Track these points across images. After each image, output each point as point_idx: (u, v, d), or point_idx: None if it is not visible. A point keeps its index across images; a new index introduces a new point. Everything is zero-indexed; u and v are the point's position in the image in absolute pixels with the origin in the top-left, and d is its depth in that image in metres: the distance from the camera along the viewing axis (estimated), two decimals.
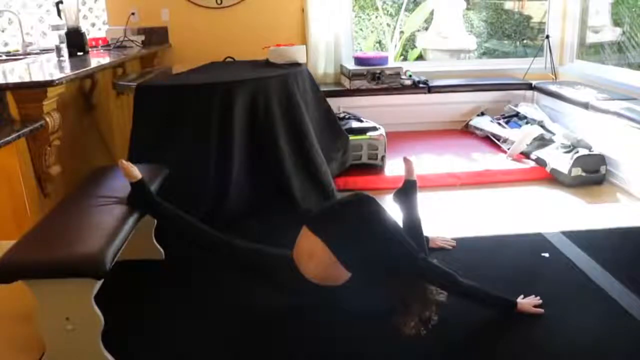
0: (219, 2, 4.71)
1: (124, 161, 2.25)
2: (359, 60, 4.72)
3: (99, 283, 1.86)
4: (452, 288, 2.07)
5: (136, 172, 2.23)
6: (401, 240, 2.08)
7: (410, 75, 4.75)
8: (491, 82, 4.81)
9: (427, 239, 2.60)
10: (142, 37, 4.48)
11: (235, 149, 3.07)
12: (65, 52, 3.57)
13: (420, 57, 6.16)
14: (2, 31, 5.08)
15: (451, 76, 4.99)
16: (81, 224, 2.02)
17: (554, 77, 4.83)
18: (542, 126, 4.08)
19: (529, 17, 6.29)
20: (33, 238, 1.93)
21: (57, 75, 2.64)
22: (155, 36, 4.67)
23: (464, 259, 2.62)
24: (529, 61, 4.93)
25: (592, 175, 3.56)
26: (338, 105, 4.42)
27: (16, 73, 2.85)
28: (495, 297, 2.13)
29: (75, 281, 1.78)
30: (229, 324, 2.18)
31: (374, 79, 4.60)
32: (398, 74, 4.63)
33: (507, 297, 2.15)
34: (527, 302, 2.16)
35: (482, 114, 4.73)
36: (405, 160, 2.66)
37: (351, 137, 3.73)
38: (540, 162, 3.77)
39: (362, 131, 3.83)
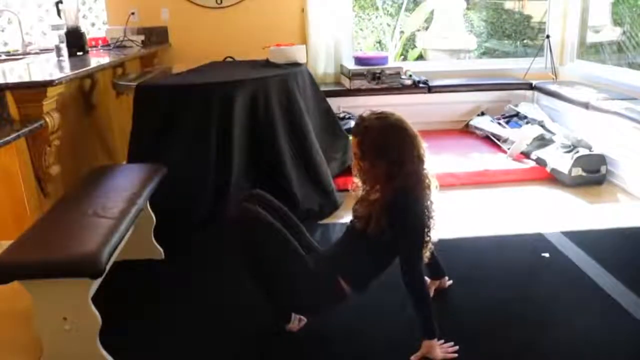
0: (219, 2, 4.71)
1: None
2: (359, 60, 4.71)
3: (96, 283, 1.86)
4: (420, 302, 1.94)
5: None
6: (421, 241, 1.98)
7: (410, 75, 4.74)
8: (491, 82, 4.81)
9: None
10: (142, 37, 4.48)
11: (235, 149, 3.07)
12: (65, 51, 3.57)
13: (420, 57, 6.14)
14: (2, 31, 5.07)
15: (451, 76, 4.98)
16: (78, 223, 2.01)
17: (554, 77, 4.82)
18: (542, 126, 4.08)
19: (529, 17, 6.27)
20: (29, 238, 1.92)
21: (56, 75, 2.63)
22: (155, 36, 4.67)
23: (464, 259, 2.62)
24: (529, 61, 4.92)
25: (593, 175, 3.56)
26: (338, 105, 4.41)
27: (16, 73, 2.85)
28: (432, 323, 1.93)
29: (71, 281, 1.77)
30: (228, 324, 2.18)
31: (374, 78, 4.59)
32: (398, 74, 4.63)
33: (435, 328, 1.94)
34: (442, 347, 1.96)
35: (482, 113, 4.72)
36: None
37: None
38: (541, 162, 3.76)
39: None
